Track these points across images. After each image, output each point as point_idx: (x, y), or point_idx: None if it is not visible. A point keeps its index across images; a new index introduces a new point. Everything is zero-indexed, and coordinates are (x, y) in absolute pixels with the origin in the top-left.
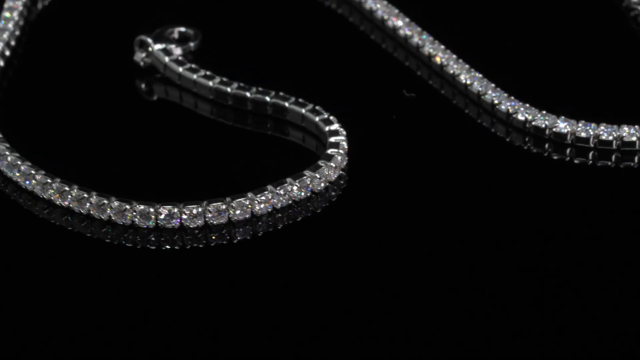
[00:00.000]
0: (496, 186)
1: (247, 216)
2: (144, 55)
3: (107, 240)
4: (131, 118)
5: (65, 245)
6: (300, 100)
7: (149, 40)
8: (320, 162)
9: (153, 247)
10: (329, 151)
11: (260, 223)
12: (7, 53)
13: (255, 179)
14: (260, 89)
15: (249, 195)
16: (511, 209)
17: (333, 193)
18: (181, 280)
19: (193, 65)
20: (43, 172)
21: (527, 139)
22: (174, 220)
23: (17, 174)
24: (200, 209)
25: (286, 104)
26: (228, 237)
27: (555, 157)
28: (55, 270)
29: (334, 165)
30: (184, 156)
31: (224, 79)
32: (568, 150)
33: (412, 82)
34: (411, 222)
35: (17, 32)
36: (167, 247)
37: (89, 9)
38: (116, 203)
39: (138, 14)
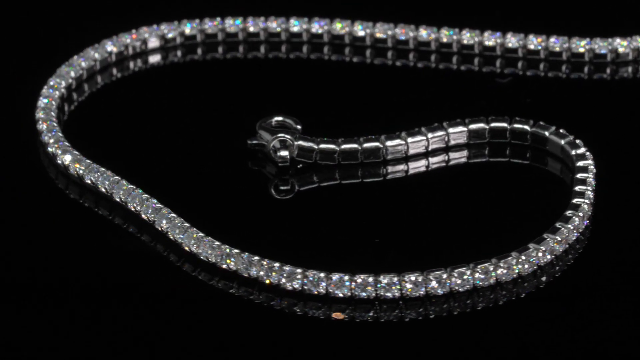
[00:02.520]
0: None
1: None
2: (286, 153)
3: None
4: (314, 209)
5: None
6: (542, 123)
7: (288, 137)
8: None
9: (395, 320)
10: (579, 176)
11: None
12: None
13: (508, 205)
14: (492, 117)
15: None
16: None
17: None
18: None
19: (339, 139)
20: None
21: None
22: (420, 289)
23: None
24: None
25: (527, 128)
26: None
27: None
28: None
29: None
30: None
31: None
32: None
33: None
34: None
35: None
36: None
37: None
38: (360, 279)
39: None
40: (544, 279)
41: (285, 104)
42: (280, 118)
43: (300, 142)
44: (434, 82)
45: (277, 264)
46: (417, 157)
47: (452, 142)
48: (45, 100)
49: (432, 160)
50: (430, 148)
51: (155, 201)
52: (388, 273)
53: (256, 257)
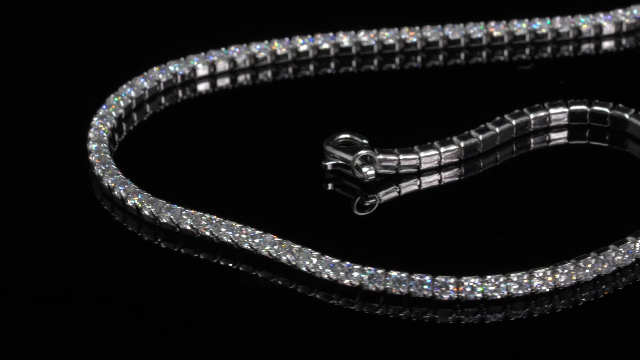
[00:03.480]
0: None
1: None
2: (371, 169)
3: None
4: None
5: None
6: (620, 105)
7: (370, 152)
8: None
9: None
10: None
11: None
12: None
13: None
14: (571, 101)
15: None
16: None
17: None
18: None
19: (415, 147)
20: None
21: None
22: (549, 283)
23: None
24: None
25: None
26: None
27: None
28: None
29: None
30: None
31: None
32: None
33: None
34: None
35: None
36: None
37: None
38: (492, 279)
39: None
40: None
41: (330, 118)
42: (347, 135)
43: (382, 156)
44: (466, 79)
45: (427, 277)
46: (489, 153)
47: (517, 134)
48: (99, 122)
49: (500, 154)
50: (499, 142)
51: (272, 235)
52: (517, 271)
53: (404, 274)
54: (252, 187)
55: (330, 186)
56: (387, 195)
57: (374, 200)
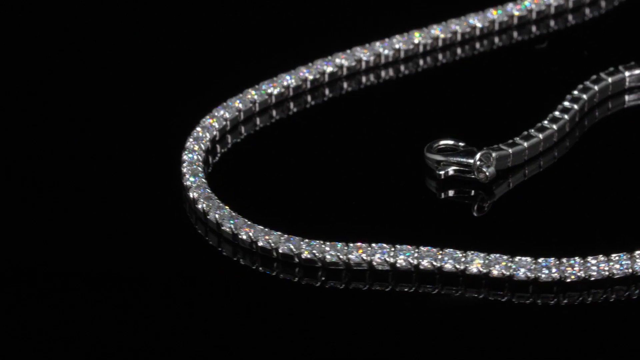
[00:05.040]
0: None
1: None
2: (492, 168)
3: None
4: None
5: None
6: None
7: (488, 151)
8: None
9: None
10: None
11: None
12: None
13: None
14: None
15: None
16: None
17: None
18: None
19: (516, 139)
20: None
21: None
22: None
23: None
24: None
25: None
26: None
27: None
28: None
29: None
30: None
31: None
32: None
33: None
34: None
35: None
36: None
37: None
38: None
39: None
40: None
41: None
42: (450, 142)
43: (496, 153)
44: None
45: (601, 257)
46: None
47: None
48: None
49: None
50: (587, 108)
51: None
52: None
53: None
54: (355, 204)
55: (451, 193)
56: (499, 191)
57: (489, 199)
